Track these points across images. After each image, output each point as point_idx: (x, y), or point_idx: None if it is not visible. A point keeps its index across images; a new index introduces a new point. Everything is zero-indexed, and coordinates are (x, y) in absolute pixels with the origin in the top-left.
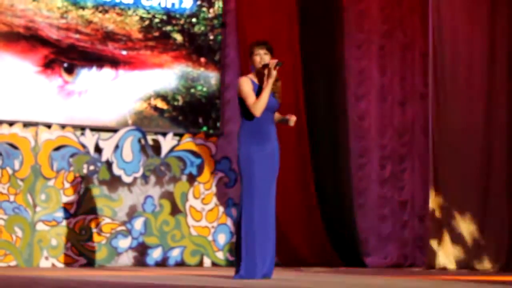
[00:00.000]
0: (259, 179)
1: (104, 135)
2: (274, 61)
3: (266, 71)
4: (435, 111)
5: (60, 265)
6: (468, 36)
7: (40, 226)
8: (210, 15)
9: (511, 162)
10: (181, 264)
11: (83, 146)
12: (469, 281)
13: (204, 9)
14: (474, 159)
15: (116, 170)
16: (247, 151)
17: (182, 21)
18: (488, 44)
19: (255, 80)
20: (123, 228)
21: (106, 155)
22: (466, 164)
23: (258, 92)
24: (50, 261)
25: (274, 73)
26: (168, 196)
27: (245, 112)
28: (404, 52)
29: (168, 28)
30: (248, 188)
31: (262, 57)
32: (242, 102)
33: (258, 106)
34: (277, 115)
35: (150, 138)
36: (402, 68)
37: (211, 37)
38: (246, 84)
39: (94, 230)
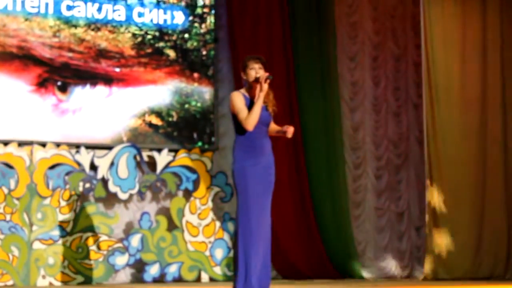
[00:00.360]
0: (254, 193)
1: (99, 152)
2: (265, 75)
3: (257, 85)
4: (429, 121)
5: (58, 283)
6: (460, 45)
7: (36, 245)
8: (202, 31)
9: (506, 169)
10: (178, 280)
11: (78, 164)
12: None
13: (196, 24)
14: (469, 167)
15: (112, 187)
16: (241, 165)
17: (174, 37)
18: (480, 52)
19: (247, 95)
20: (120, 245)
21: (102, 172)
22: (461, 171)
23: (251, 106)
24: (47, 279)
25: (265, 86)
26: (165, 212)
27: (238, 126)
28: (397, 62)
29: (161, 44)
30: (243, 202)
31: (257, 71)
32: (235, 117)
33: (250, 120)
34: (274, 127)
35: (145, 154)
36: (395, 79)
37: (204, 53)
38: (238, 98)
39: (91, 248)
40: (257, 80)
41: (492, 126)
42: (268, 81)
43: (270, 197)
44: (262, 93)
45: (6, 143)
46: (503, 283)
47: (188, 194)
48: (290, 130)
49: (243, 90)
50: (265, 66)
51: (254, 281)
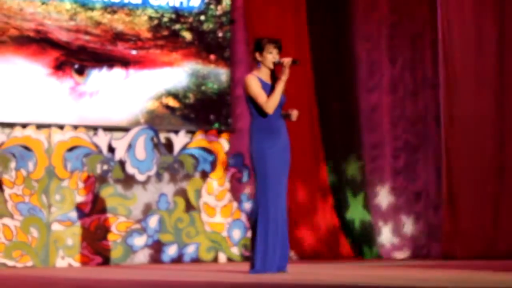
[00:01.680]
0: (272, 174)
1: (117, 134)
2: (290, 59)
3: (277, 68)
4: (446, 101)
5: (76, 264)
6: (477, 23)
7: (55, 226)
8: (218, 13)
9: None
10: (196, 260)
11: (96, 146)
12: (485, 271)
13: (212, 6)
14: (486, 147)
15: (130, 169)
16: (260, 147)
17: (190, 19)
18: (497, 31)
19: (261, 77)
20: (138, 226)
21: (119, 154)
22: (478, 152)
23: (267, 88)
24: (66, 260)
25: (288, 71)
26: (182, 193)
27: (257, 110)
28: (414, 42)
29: (177, 26)
30: (262, 183)
31: (274, 56)
32: (251, 100)
33: (271, 104)
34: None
35: (162, 136)
36: (412, 59)
37: (220, 34)
38: (254, 82)
39: (110, 229)
40: (277, 63)
41: (508, 106)
42: (292, 65)
43: (286, 178)
44: (285, 77)
45: (24, 125)
46: None
47: (205, 175)
48: (294, 113)
49: (256, 73)
50: (281, 49)
51: (272, 263)
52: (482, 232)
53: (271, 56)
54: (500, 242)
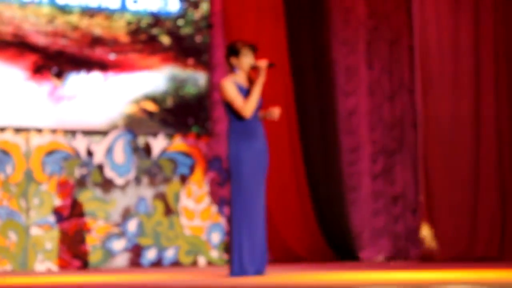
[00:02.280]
0: (249, 177)
1: (95, 138)
2: (266, 62)
3: (253, 72)
4: (423, 105)
5: (55, 268)
6: (453, 28)
7: (34, 230)
8: (196, 17)
9: (500, 152)
10: (176, 264)
11: (75, 150)
12: (463, 273)
13: (190, 11)
14: (463, 151)
15: (108, 173)
16: (236, 150)
17: (168, 24)
18: (473, 35)
19: (238, 81)
20: (117, 230)
21: (98, 158)
22: (455, 156)
23: (244, 92)
24: (45, 264)
25: (264, 74)
26: (161, 197)
27: (234, 114)
28: (391, 47)
29: (155, 31)
30: (238, 187)
31: (250, 59)
32: (227, 104)
33: (248, 107)
34: (260, 112)
35: (141, 140)
36: (389, 63)
37: (198, 39)
38: (230, 87)
39: (88, 233)
40: (253, 67)
41: (485, 110)
42: (268, 68)
43: (264, 181)
44: (261, 80)
45: (2, 129)
46: (497, 264)
47: (184, 179)
48: (275, 111)
49: (232, 77)
50: (256, 52)
51: (249, 266)
52: (460, 234)
53: (247, 59)
54: (478, 244)
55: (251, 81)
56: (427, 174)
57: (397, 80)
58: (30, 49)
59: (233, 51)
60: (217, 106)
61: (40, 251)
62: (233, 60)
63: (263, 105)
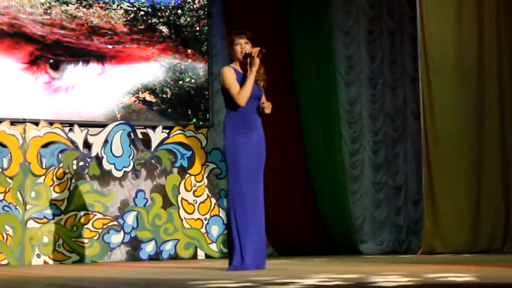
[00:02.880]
0: (245, 169)
1: (93, 130)
2: (256, 49)
3: (248, 60)
4: (426, 94)
5: (52, 262)
6: (456, 17)
7: (31, 224)
8: (195, 6)
9: (503, 141)
10: (174, 257)
11: (72, 142)
12: (465, 266)
13: (189, 0)
14: (466, 140)
15: (106, 165)
16: (233, 141)
17: (167, 13)
18: (476, 23)
19: (238, 69)
20: (115, 223)
21: (96, 150)
22: (458, 145)
23: (242, 80)
24: (42, 258)
25: (257, 61)
26: (160, 189)
27: (230, 102)
28: (393, 36)
29: (154, 20)
30: (235, 180)
31: (242, 46)
32: (226, 92)
33: (243, 95)
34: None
35: (139, 132)
36: (391, 53)
37: (197, 28)
38: (229, 73)
39: (86, 226)
40: (246, 55)
41: (488, 99)
42: (260, 55)
43: (262, 173)
44: (254, 67)
45: None
46: (500, 256)
47: (183, 171)
48: (266, 106)
49: (233, 65)
50: (251, 40)
51: (249, 260)
52: (463, 226)
53: (238, 47)
54: (481, 237)
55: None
56: (429, 165)
57: (399, 70)
58: (27, 40)
59: (228, 41)
60: (217, 97)
61: (37, 245)
62: (230, 50)
63: (262, 96)
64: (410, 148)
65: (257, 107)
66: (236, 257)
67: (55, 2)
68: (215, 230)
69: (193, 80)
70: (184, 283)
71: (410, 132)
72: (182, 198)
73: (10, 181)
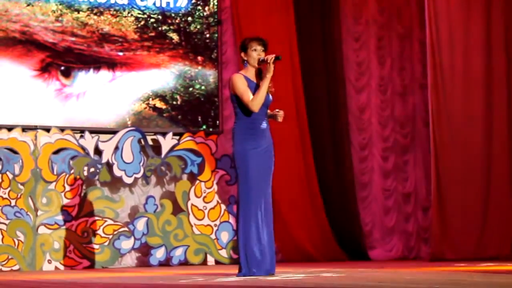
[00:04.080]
0: (255, 176)
1: (104, 136)
2: (273, 56)
3: (263, 66)
4: (435, 101)
5: (63, 268)
6: (464, 23)
7: (42, 230)
8: (205, 13)
9: None
10: (184, 263)
11: (83, 148)
12: (474, 272)
13: (199, 7)
14: (475, 147)
15: (117, 171)
16: (243, 148)
17: (177, 20)
18: (485, 30)
19: (248, 76)
20: (125, 229)
21: (106, 156)
22: (467, 152)
23: (253, 87)
24: (53, 264)
25: (272, 67)
26: (170, 195)
27: (242, 108)
28: (403, 42)
29: (164, 27)
30: (244, 186)
31: (259, 53)
32: (237, 99)
33: (256, 102)
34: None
35: (149, 138)
36: (401, 59)
37: (207, 35)
38: (240, 81)
39: (97, 232)
40: (262, 61)
41: (497, 106)
42: (276, 62)
43: (271, 180)
44: (269, 74)
45: (10, 128)
46: (509, 263)
47: (193, 178)
48: (280, 114)
49: (243, 72)
50: (266, 48)
51: (257, 266)
52: (471, 233)
53: (255, 53)
54: (488, 244)
55: (262, 76)
56: (438, 172)
57: (409, 76)
58: (38, 47)
59: (242, 46)
60: (227, 103)
61: (48, 251)
62: (243, 56)
63: (272, 103)
64: (419, 155)
65: (265, 114)
66: (245, 262)
67: (66, 9)
68: (225, 236)
69: (203, 87)
70: None
71: (419, 139)
72: (192, 204)
73: (21, 187)
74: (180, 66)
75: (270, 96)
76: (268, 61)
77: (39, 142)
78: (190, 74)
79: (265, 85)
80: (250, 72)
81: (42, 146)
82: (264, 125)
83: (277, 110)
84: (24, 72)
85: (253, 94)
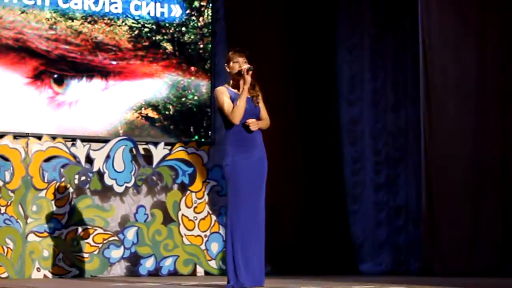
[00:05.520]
0: (245, 187)
1: (95, 145)
2: (246, 66)
3: (241, 78)
4: (427, 115)
5: (52, 276)
6: (458, 38)
7: (31, 238)
8: (199, 24)
9: (504, 163)
10: (174, 273)
11: (74, 156)
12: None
13: (194, 18)
14: (467, 161)
15: (108, 180)
16: (233, 159)
17: (171, 30)
18: (478, 46)
19: (232, 88)
20: (115, 238)
21: (98, 165)
22: (459, 166)
23: (236, 98)
24: (42, 272)
25: (248, 78)
26: (160, 205)
27: (226, 121)
28: (396, 56)
29: (158, 37)
30: (234, 197)
31: (240, 64)
32: (220, 111)
33: (236, 113)
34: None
35: (141, 147)
36: (394, 72)
37: (201, 46)
38: (222, 93)
39: (86, 241)
40: (239, 73)
41: (490, 121)
42: (250, 72)
43: (263, 191)
44: (246, 85)
45: (1, 135)
46: (499, 278)
47: (184, 188)
48: (251, 122)
49: (227, 85)
50: (247, 58)
51: (245, 278)
52: (461, 247)
53: (237, 65)
54: (479, 258)
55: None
56: (430, 186)
57: (402, 89)
58: (31, 54)
59: (226, 59)
60: (219, 114)
61: (37, 259)
62: (227, 68)
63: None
64: (411, 168)
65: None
66: (234, 274)
67: (60, 17)
68: (215, 247)
69: (195, 97)
70: None
71: (412, 153)
72: (182, 215)
73: (12, 194)
74: (173, 76)
75: (256, 107)
76: (243, 73)
77: (30, 149)
78: (183, 84)
79: (242, 96)
80: (234, 84)
81: (34, 153)
82: (253, 135)
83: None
84: (17, 79)
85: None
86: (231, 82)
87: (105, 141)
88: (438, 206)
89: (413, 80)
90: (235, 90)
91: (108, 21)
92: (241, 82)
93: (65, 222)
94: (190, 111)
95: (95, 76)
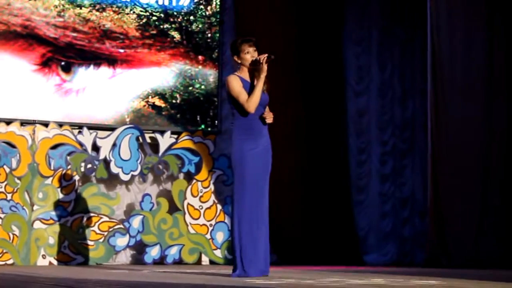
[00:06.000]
0: (252, 176)
1: (102, 133)
2: (265, 56)
3: (256, 67)
4: (434, 107)
5: (57, 263)
6: (466, 31)
7: (37, 225)
8: (207, 13)
9: (511, 155)
10: (179, 262)
11: (81, 144)
12: (472, 279)
13: (202, 6)
14: (473, 153)
15: (114, 169)
16: (240, 149)
17: (179, 19)
18: (486, 38)
19: (243, 76)
20: (120, 226)
21: (104, 153)
22: (465, 159)
23: (248, 87)
24: (47, 259)
25: (265, 67)
26: (166, 194)
27: (239, 109)
28: (404, 48)
29: (166, 26)
30: (240, 186)
31: (252, 54)
32: (233, 100)
33: (252, 102)
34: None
35: (147, 136)
36: (401, 64)
37: (209, 35)
38: (235, 81)
39: (92, 229)
40: (255, 62)
41: (496, 113)
42: (268, 61)
43: (267, 180)
44: (263, 74)
45: (8, 122)
46: (504, 270)
47: (190, 177)
48: (269, 116)
49: (238, 73)
50: (257, 48)
51: (251, 267)
52: (467, 240)
53: (248, 55)
54: (484, 251)
55: (256, 76)
56: (436, 178)
57: (409, 81)
58: (39, 41)
59: (234, 50)
60: (226, 104)
61: (42, 246)
62: (236, 59)
63: (270, 104)
64: (418, 160)
65: (261, 114)
66: (239, 263)
67: (68, 5)
68: (220, 236)
69: (202, 87)
70: None
71: (418, 144)
72: (188, 204)
73: (18, 181)
74: (180, 65)
75: (267, 96)
76: (261, 61)
77: (37, 136)
78: (190, 73)
79: (259, 85)
80: (245, 73)
81: (40, 140)
82: (261, 124)
83: (266, 112)
84: (25, 66)
85: (249, 94)
86: (241, 70)
87: (112, 129)
88: (444, 198)
89: (421, 72)
90: (246, 78)
91: (116, 9)
92: (257, 71)
93: (71, 209)
94: (197, 100)
95: (102, 64)
